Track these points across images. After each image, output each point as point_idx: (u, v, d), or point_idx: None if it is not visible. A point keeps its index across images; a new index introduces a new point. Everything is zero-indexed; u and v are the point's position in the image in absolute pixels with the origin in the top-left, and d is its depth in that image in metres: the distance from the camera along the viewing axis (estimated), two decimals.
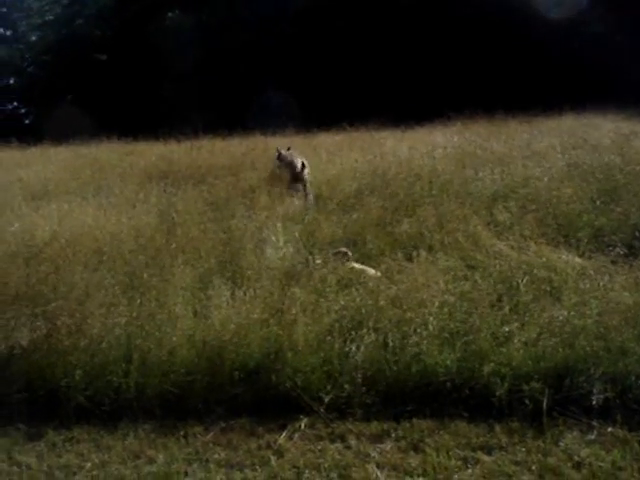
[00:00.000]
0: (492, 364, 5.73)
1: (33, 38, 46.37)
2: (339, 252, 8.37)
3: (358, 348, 6.00)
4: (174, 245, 8.25)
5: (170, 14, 37.49)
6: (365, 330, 6.18)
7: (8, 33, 47.93)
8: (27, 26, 46.32)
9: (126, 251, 8.10)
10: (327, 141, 17.13)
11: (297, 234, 8.91)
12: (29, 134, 21.92)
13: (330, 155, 14.20)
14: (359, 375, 5.76)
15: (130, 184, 11.73)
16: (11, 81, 45.99)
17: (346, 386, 5.74)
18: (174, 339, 6.16)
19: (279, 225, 9.11)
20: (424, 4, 29.41)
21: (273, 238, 8.64)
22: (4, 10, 47.82)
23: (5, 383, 5.98)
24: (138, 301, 6.72)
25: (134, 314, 6.47)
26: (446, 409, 5.59)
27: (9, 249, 8.19)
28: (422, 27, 29.54)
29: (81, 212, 9.84)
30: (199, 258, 8.01)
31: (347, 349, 6.03)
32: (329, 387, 5.75)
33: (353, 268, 7.88)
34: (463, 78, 27.31)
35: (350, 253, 8.44)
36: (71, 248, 8.08)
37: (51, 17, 44.82)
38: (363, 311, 6.50)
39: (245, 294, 6.83)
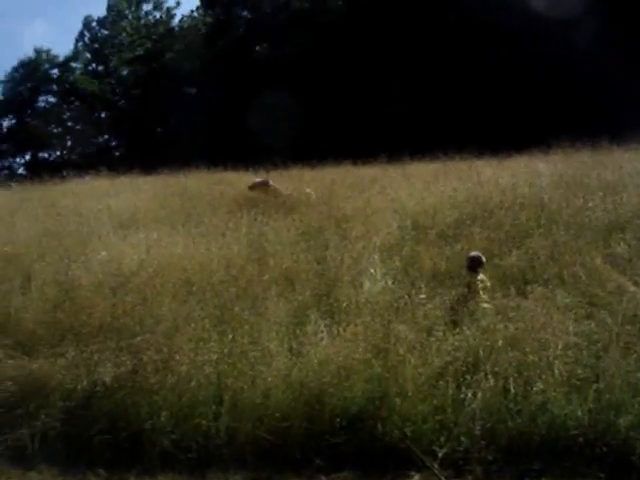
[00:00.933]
0: (630, 416, 5.04)
1: (124, 72, 48.01)
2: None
3: (475, 395, 5.38)
4: (266, 276, 7.85)
5: (258, 47, 38.07)
6: (482, 374, 5.55)
7: (100, 68, 49.78)
8: (118, 61, 48.00)
9: (216, 282, 7.74)
10: (421, 170, 16.55)
11: (397, 265, 8.32)
12: (119, 165, 22.24)
13: (426, 184, 13.59)
14: (477, 426, 5.14)
15: (220, 213, 11.47)
16: (102, 114, 47.59)
17: (463, 439, 5.13)
18: (269, 379, 5.71)
19: (377, 256, 8.56)
20: (530, 32, 28.60)
21: (371, 270, 8.09)
22: (96, 46, 49.71)
23: (86, 423, 5.63)
24: (230, 336, 6.31)
25: (225, 350, 6.06)
26: (579, 469, 4.90)
27: (95, 278, 7.96)
28: (519, 58, 28.79)
29: (169, 241, 9.58)
30: (293, 290, 7.56)
31: (462, 395, 5.43)
32: (443, 439, 5.15)
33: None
34: (562, 106, 26.31)
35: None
36: (159, 278, 7.78)
37: (141, 52, 46.35)
38: (479, 352, 5.85)
39: (344, 330, 6.30)
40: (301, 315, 6.90)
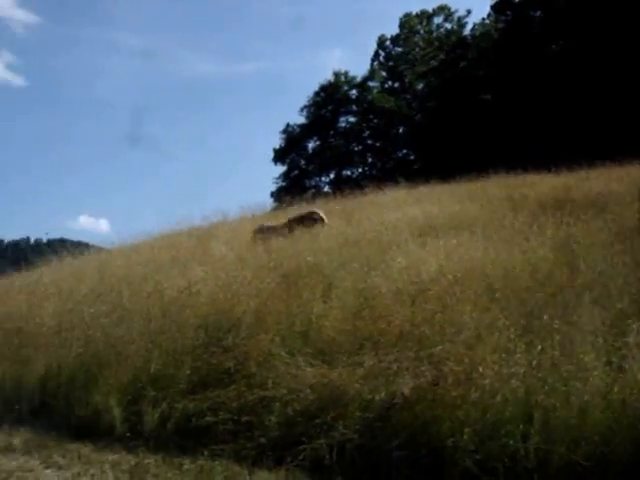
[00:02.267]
0: None
1: (419, 87, 48.95)
2: None
3: None
4: (578, 281, 7.06)
5: (553, 47, 36.35)
6: None
7: (396, 85, 51.37)
8: (412, 75, 49.10)
9: (521, 288, 7.16)
10: None
11: None
12: (417, 176, 22.53)
13: None
14: None
15: (521, 216, 10.82)
16: (400, 130, 48.99)
17: None
18: (585, 397, 5.06)
19: None
20: None
21: None
22: (391, 64, 51.43)
23: (384, 437, 5.43)
24: (538, 347, 5.72)
25: (533, 363, 5.50)
26: None
27: (394, 285, 7.83)
28: None
29: (469, 247, 9.20)
30: (609, 297, 6.69)
31: None
32: None
33: None
34: None
35: None
36: (459, 285, 7.41)
37: (435, 64, 46.87)
38: None
39: None
40: (620, 325, 6.06)
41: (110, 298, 9.48)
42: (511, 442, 4.98)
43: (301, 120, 52.56)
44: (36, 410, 7.87)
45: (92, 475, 6.11)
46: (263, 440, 5.96)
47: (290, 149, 52.33)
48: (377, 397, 5.78)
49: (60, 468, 6.43)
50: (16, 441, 7.24)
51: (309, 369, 6.43)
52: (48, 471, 6.41)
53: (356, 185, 23.24)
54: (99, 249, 18.69)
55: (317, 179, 52.05)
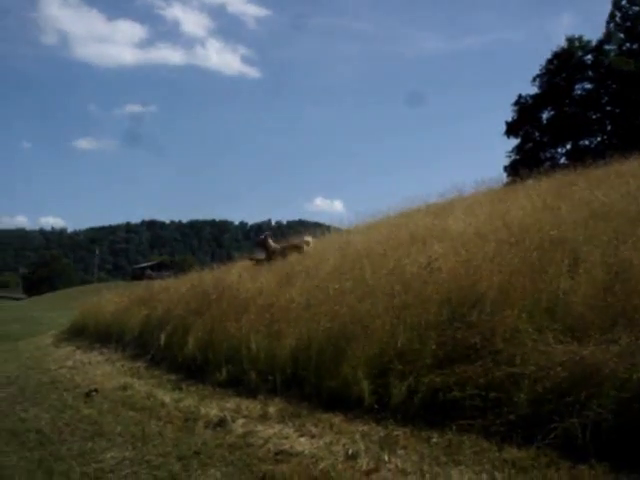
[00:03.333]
0: None
1: None
2: None
3: None
4: None
5: None
6: None
7: (634, 46, 47.45)
8: None
9: None
10: None
11: None
12: None
13: None
14: None
15: None
16: None
17: None
18: None
19: None
20: None
21: None
22: (628, 24, 47.54)
23: None
24: None
25: None
26: None
27: None
28: None
29: None
30: None
31: None
32: None
33: None
34: None
35: None
36: None
37: None
38: None
39: None
40: None
41: (352, 275, 9.87)
42: None
43: (533, 90, 50.54)
44: (288, 381, 8.39)
45: (344, 444, 6.42)
46: (512, 417, 5.90)
47: (523, 121, 50.42)
48: (634, 376, 5.46)
49: (313, 437, 6.83)
50: (271, 410, 7.81)
51: (559, 346, 6.24)
52: (302, 439, 6.84)
53: (596, 155, 21.81)
54: (335, 229, 19.44)
55: (552, 151, 49.68)
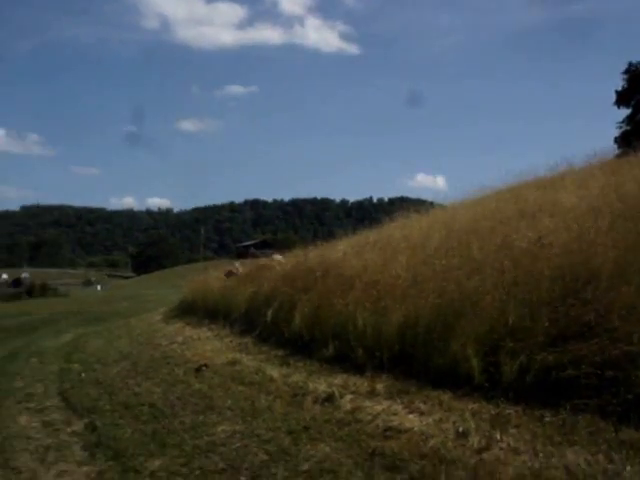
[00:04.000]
0: None
1: None
2: None
3: None
4: None
5: None
6: None
7: None
8: None
9: None
10: None
11: None
12: None
13: None
14: None
15: None
16: None
17: None
18: None
19: None
20: None
21: None
22: None
23: None
24: None
25: None
26: None
27: None
28: None
29: None
30: None
31: None
32: None
33: None
34: None
35: None
36: None
37: None
38: None
39: None
40: None
41: (459, 251, 9.77)
42: None
43: None
44: (395, 357, 8.41)
45: (454, 422, 6.42)
46: (629, 396, 5.74)
47: (634, 90, 48.12)
48: None
49: (422, 414, 6.86)
50: (379, 386, 7.87)
51: None
52: (411, 416, 6.88)
53: None
54: (439, 205, 19.18)
55: None
